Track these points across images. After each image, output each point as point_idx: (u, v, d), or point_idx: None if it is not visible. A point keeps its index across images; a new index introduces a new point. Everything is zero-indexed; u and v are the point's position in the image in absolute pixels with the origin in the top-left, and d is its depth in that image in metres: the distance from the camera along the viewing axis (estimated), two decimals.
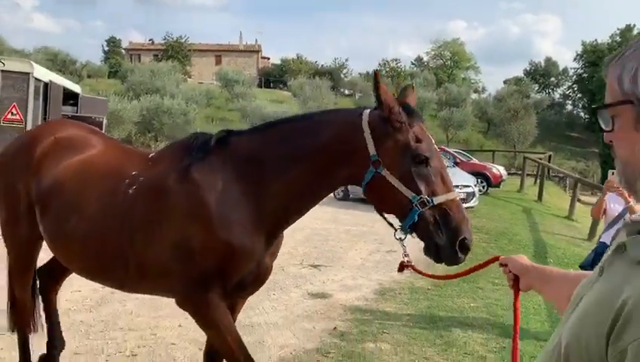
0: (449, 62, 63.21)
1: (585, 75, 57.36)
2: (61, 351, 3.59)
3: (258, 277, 2.65)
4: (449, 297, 6.08)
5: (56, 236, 2.83)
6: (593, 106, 0.97)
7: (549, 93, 61.77)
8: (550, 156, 26.63)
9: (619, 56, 0.92)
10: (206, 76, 54.76)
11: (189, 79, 48.82)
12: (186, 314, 5.21)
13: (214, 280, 2.46)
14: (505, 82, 57.18)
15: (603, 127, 0.95)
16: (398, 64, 62.83)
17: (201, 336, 4.65)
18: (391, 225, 2.34)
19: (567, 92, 63.35)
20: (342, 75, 59.62)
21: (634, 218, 0.96)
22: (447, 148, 20.77)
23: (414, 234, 2.26)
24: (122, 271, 2.62)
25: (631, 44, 0.91)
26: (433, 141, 2.32)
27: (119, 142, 3.35)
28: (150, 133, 29.79)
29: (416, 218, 2.17)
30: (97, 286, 5.85)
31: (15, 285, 3.30)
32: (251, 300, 5.51)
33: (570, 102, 63.27)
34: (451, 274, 2.11)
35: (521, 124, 37.58)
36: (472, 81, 63.34)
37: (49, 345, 3.54)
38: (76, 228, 2.69)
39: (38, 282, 3.49)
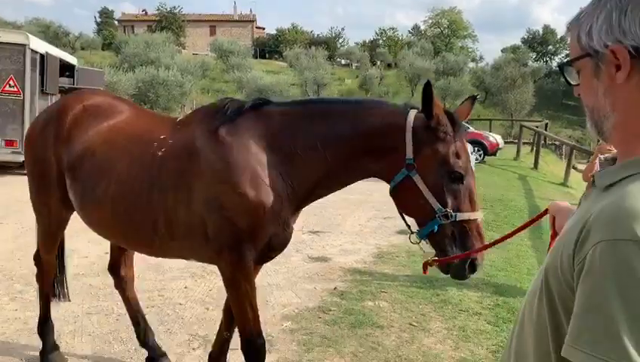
0: (446, 30, 62.68)
1: None
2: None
3: (284, 241, 2.71)
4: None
5: (87, 201, 2.88)
6: (558, 63, 1.07)
7: (547, 61, 61.39)
8: (547, 124, 26.73)
9: (576, 18, 1.03)
10: (200, 47, 54.21)
11: (183, 50, 48.31)
12: (192, 276, 5.41)
13: (245, 240, 2.53)
14: (502, 51, 56.77)
15: (572, 82, 1.07)
16: (395, 33, 62.32)
17: (207, 297, 4.85)
18: (408, 226, 2.41)
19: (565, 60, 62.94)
20: (338, 45, 59.09)
21: (605, 156, 1.10)
22: None
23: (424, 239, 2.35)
24: (152, 233, 2.68)
25: (586, 7, 1.02)
26: (470, 158, 2.38)
27: (146, 109, 3.43)
28: (146, 105, 29.65)
29: (436, 228, 2.23)
30: (104, 252, 6.02)
31: (42, 249, 3.43)
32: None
33: None
34: (498, 239, 2.09)
35: (518, 92, 37.57)
36: (470, 50, 62.96)
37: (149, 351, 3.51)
38: (107, 192, 2.75)
39: (111, 271, 3.64)
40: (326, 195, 2.69)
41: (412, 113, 2.33)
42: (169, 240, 2.69)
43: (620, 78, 0.94)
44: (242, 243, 2.53)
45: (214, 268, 5.97)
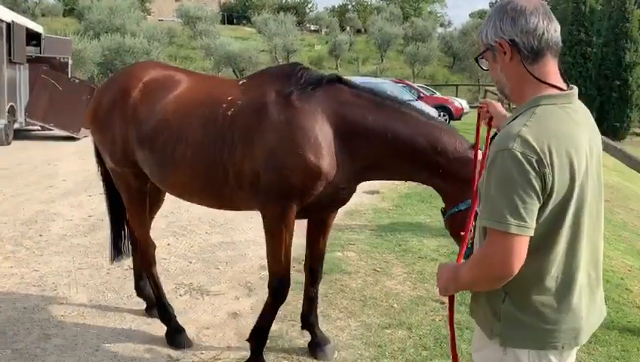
0: None
1: (549, 6, 57.66)
2: None
3: (334, 203, 3.03)
4: (408, 215, 6.80)
5: (167, 167, 3.08)
6: (475, 57, 1.67)
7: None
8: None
9: (481, 27, 1.62)
10: (166, 13, 53.03)
11: (148, 17, 47.23)
12: (174, 234, 5.78)
13: (294, 195, 2.81)
14: (470, 15, 57.17)
15: (484, 68, 1.68)
16: None
17: (188, 252, 5.26)
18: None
19: None
20: (307, 10, 58.51)
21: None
22: (411, 84, 21.30)
23: None
24: (224, 185, 2.96)
25: (485, 18, 1.62)
26: None
27: (201, 74, 3.63)
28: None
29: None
30: (87, 215, 6.36)
31: (135, 226, 3.55)
32: (232, 223, 6.13)
33: None
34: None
35: None
36: (438, 15, 63.13)
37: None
38: (184, 155, 2.99)
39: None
40: (376, 180, 3.06)
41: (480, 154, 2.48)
42: (237, 190, 2.96)
43: (507, 59, 1.54)
44: (289, 199, 2.82)
45: (194, 227, 6.36)
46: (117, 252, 3.90)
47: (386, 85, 15.69)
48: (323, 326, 3.72)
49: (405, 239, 5.61)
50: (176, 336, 3.47)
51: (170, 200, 4.05)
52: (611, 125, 30.41)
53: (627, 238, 7.37)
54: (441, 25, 59.74)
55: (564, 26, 42.02)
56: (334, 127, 2.79)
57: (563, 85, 1.55)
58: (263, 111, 2.83)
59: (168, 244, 5.43)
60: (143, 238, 3.54)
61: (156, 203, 3.79)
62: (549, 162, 1.39)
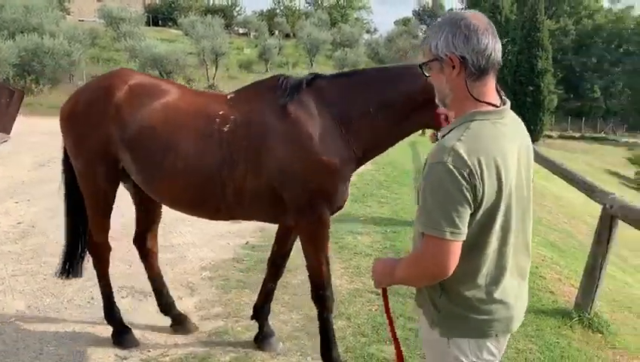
0: (342, 1, 63.71)
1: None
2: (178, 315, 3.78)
3: (346, 197, 3.11)
4: (343, 214, 7.04)
5: (154, 175, 3.06)
6: (419, 64, 1.73)
7: None
8: None
9: (427, 35, 1.70)
10: (87, 13, 50.93)
11: (67, 16, 45.21)
12: (110, 238, 5.70)
13: (321, 200, 2.90)
14: (395, 23, 58.99)
15: (426, 74, 1.73)
16: (293, 2, 62.36)
17: (126, 256, 5.24)
18: None
19: None
20: (235, 13, 58.15)
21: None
22: None
23: None
24: (220, 200, 2.98)
25: (433, 26, 1.68)
26: None
27: (186, 86, 3.55)
28: (30, 76, 27.76)
29: None
30: (16, 221, 6.17)
31: (95, 229, 3.45)
32: (170, 226, 6.14)
33: None
34: None
35: (410, 63, 39.53)
36: (365, 22, 64.61)
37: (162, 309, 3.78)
38: (175, 166, 2.97)
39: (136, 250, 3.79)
40: (383, 152, 3.08)
41: None
42: (236, 206, 3.01)
43: (454, 74, 1.62)
44: (320, 203, 2.90)
45: (130, 231, 6.31)
46: (69, 270, 3.75)
47: None
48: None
49: (341, 236, 5.86)
50: (122, 336, 3.51)
51: None
52: (526, 128, 32.35)
53: (541, 231, 8.04)
54: (368, 31, 61.33)
55: None
56: (332, 123, 2.87)
57: (497, 102, 1.66)
58: (265, 128, 2.88)
59: None
60: (101, 242, 3.49)
61: (157, 217, 3.75)
62: (479, 175, 1.51)
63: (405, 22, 56.59)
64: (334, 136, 2.86)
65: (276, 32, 53.32)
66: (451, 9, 67.05)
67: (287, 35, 54.41)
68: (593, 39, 46.76)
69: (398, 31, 45.25)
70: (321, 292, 3.07)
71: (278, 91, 2.96)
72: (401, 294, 4.36)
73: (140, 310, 4.06)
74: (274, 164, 2.85)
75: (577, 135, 44.04)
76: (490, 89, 1.65)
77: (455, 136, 1.57)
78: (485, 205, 1.56)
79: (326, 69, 45.56)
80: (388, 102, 2.83)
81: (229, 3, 59.02)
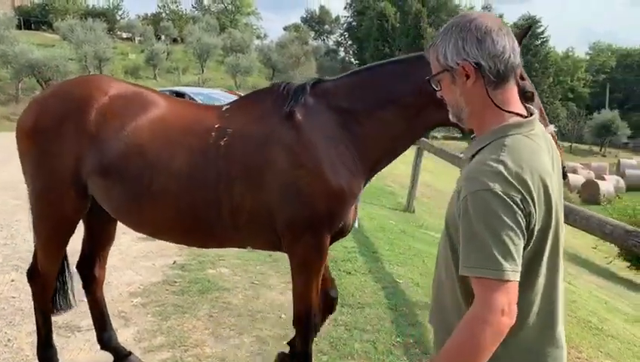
0: (230, 6, 63.11)
1: (354, 23, 62.59)
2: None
3: (354, 218, 2.75)
4: None
5: (140, 200, 2.66)
6: (427, 77, 1.54)
7: (324, 40, 66.14)
8: None
9: (433, 44, 1.50)
10: None
11: None
12: (15, 268, 5.09)
13: (323, 223, 2.56)
14: (285, 29, 59.48)
15: (435, 88, 1.54)
16: (179, 7, 60.63)
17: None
18: None
19: (340, 39, 68.55)
20: (118, 17, 55.30)
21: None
22: (242, 95, 21.41)
23: None
24: (216, 224, 2.63)
25: (439, 33, 1.51)
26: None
27: (173, 97, 3.08)
28: None
29: None
30: None
31: (45, 260, 3.00)
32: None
33: (342, 49, 68.66)
34: None
35: (303, 69, 40.08)
36: (255, 27, 64.46)
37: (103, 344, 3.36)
38: (166, 189, 2.61)
39: (79, 276, 3.29)
40: (397, 157, 2.73)
41: None
42: (231, 231, 2.66)
43: (469, 84, 1.43)
44: (320, 228, 2.57)
45: (29, 257, 5.70)
46: (60, 303, 3.30)
47: (219, 95, 15.60)
48: (217, 346, 3.64)
49: None
50: None
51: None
52: None
53: None
54: (258, 37, 61.28)
55: (371, 42, 46.50)
56: (342, 135, 2.58)
57: (523, 110, 1.48)
58: (266, 140, 2.58)
59: (12, 280, 4.76)
60: (51, 273, 3.06)
61: (109, 240, 3.34)
62: (531, 199, 1.32)
63: (296, 28, 57.19)
64: (346, 148, 2.57)
65: (163, 37, 51.51)
66: (337, 16, 69.05)
67: (174, 40, 52.74)
68: None
69: (290, 37, 45.55)
70: (305, 320, 2.80)
71: (280, 99, 2.67)
72: (350, 305, 4.29)
73: (70, 347, 3.61)
74: (276, 180, 2.53)
75: (459, 135, 47.11)
76: (513, 96, 1.46)
77: (493, 156, 1.35)
78: (537, 231, 1.36)
79: (217, 74, 44.77)
80: (400, 99, 2.54)
81: (111, 6, 56.00)
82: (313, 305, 2.78)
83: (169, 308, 4.24)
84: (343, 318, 4.09)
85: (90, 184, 2.75)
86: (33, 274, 3.09)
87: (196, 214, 2.65)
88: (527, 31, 2.28)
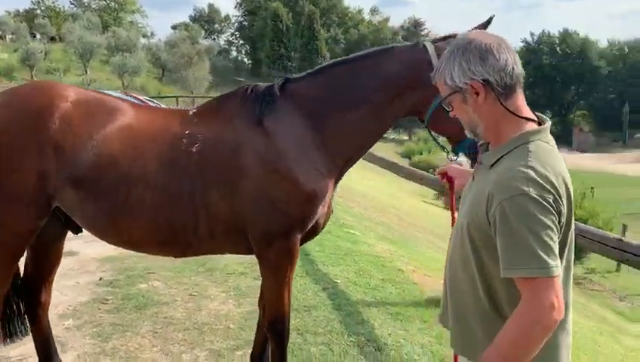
0: (113, 4, 59.98)
1: (245, 23, 62.12)
2: None
3: (327, 219, 2.78)
4: None
5: (116, 214, 2.54)
6: (438, 100, 1.59)
7: (215, 39, 64.98)
8: None
9: (439, 67, 1.60)
10: None
11: None
12: None
13: (296, 227, 2.57)
14: (173, 27, 57.62)
15: (448, 110, 1.63)
16: (55, 3, 56.55)
17: None
18: (443, 148, 2.66)
19: (231, 39, 67.75)
20: None
21: (487, 147, 1.67)
22: (138, 96, 20.47)
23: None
24: (192, 234, 2.56)
25: (442, 56, 1.60)
26: None
27: (134, 102, 2.84)
28: None
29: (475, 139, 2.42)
30: None
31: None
32: None
33: (234, 48, 67.90)
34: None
35: (196, 69, 39.10)
36: (140, 25, 61.80)
37: None
38: (142, 200, 2.51)
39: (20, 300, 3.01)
40: (366, 152, 2.78)
41: (429, 45, 2.53)
42: (208, 240, 2.61)
43: (480, 100, 1.53)
44: (293, 231, 2.57)
45: None
46: (9, 331, 2.99)
47: (121, 97, 14.80)
48: None
49: (206, 258, 5.50)
50: None
51: None
52: None
53: (370, 227, 8.70)
54: (144, 35, 58.83)
55: (266, 42, 46.43)
56: (312, 137, 2.59)
57: (533, 116, 1.58)
58: (239, 147, 2.54)
59: None
60: (2, 294, 2.78)
61: (57, 260, 3.11)
62: (560, 199, 1.43)
63: (186, 27, 55.64)
64: (317, 150, 2.59)
65: (38, 35, 47.80)
66: (227, 15, 68.02)
67: (52, 39, 49.14)
68: (360, 47, 51.97)
69: (180, 36, 44.21)
70: (279, 326, 2.78)
71: (248, 103, 2.63)
72: (297, 309, 4.30)
73: None
74: (249, 187, 2.52)
75: None
76: (523, 105, 1.57)
77: (521, 162, 1.45)
78: (564, 229, 1.48)
79: (102, 75, 42.34)
80: (369, 96, 2.58)
81: None
82: (286, 308, 2.78)
83: (107, 328, 3.99)
84: (293, 323, 4.06)
85: (59, 197, 2.57)
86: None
87: (173, 225, 2.58)
88: (488, 23, 2.48)
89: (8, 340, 3.02)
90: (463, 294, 1.65)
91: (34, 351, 3.46)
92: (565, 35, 65.58)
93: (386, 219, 10.77)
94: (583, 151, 49.09)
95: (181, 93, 38.87)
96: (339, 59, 2.82)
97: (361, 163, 3.09)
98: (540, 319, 1.37)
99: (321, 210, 2.67)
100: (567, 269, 1.56)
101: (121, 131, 2.59)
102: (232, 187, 2.53)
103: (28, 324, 3.06)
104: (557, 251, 1.41)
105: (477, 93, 1.53)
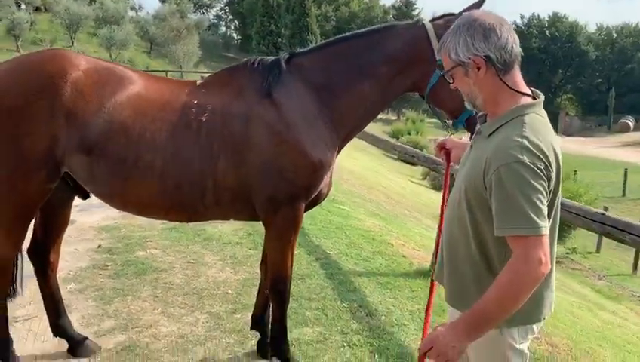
0: None
1: None
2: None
3: (329, 188, 2.96)
4: None
5: (125, 178, 2.65)
6: (441, 73, 1.73)
7: (204, 13, 64.02)
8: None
9: (443, 42, 1.72)
10: None
11: None
12: None
13: (301, 196, 2.75)
14: (162, 1, 56.61)
15: (450, 81, 1.75)
16: None
17: None
18: (443, 122, 2.83)
19: (220, 13, 66.86)
20: None
21: (485, 118, 1.83)
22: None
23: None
24: (199, 200, 2.69)
25: (448, 32, 1.74)
26: None
27: (145, 72, 2.95)
28: None
29: (474, 112, 2.46)
30: None
31: (6, 245, 2.82)
32: None
33: (223, 23, 67.02)
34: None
35: (185, 44, 38.65)
36: None
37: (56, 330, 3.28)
38: (153, 166, 2.62)
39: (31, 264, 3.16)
40: (363, 128, 2.96)
41: (427, 23, 2.71)
42: (214, 206, 2.74)
43: (481, 74, 1.67)
44: (298, 199, 2.75)
45: None
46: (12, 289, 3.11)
47: None
48: (172, 325, 3.67)
49: (202, 228, 5.67)
50: None
51: None
52: None
53: (359, 203, 8.88)
54: (132, 8, 57.68)
55: (256, 18, 45.99)
56: (317, 109, 2.74)
57: (529, 91, 1.72)
58: (249, 118, 2.66)
59: None
60: (9, 260, 2.91)
61: (64, 224, 3.19)
62: (550, 166, 1.58)
63: (178, 1, 54.74)
64: (322, 122, 2.74)
65: (23, 5, 46.77)
66: None
67: (37, 9, 48.10)
68: (350, 25, 51.62)
69: (169, 9, 43.54)
70: (281, 286, 2.95)
71: (255, 75, 2.76)
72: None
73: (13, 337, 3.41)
74: (258, 156, 2.65)
75: None
76: (520, 80, 1.71)
77: (517, 132, 1.60)
78: (552, 194, 1.63)
79: (90, 47, 41.64)
80: (372, 71, 2.73)
81: None
82: (289, 273, 2.96)
83: (108, 292, 4.14)
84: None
85: (69, 163, 2.67)
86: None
87: (181, 191, 2.69)
88: (480, 4, 2.64)
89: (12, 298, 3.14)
90: (457, 251, 1.81)
91: (38, 311, 3.64)
92: (555, 19, 65.68)
93: (374, 196, 10.96)
94: (568, 135, 49.66)
95: (169, 67, 38.49)
96: (341, 35, 2.96)
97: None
98: (529, 272, 1.53)
99: (325, 179, 2.84)
100: (552, 230, 1.70)
101: (131, 99, 2.68)
102: (241, 156, 2.65)
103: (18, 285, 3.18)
104: (546, 213, 1.56)
105: (478, 68, 1.66)
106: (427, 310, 2.03)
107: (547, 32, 65.30)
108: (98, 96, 2.64)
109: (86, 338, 3.31)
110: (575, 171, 20.64)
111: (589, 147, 42.28)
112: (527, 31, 64.77)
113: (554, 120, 54.20)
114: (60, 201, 3.05)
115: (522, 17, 68.30)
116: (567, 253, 13.94)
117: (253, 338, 3.48)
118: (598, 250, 14.86)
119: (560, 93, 66.83)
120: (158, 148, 2.63)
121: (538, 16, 67.64)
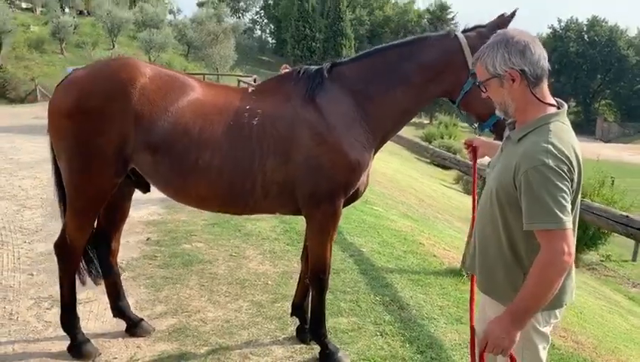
0: None
1: (270, 1, 62.06)
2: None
3: (365, 187, 3.23)
4: None
5: (187, 175, 2.95)
6: (477, 83, 1.96)
7: (240, 17, 65.01)
8: (255, 79, 29.22)
9: (480, 55, 1.93)
10: None
11: None
12: None
13: (340, 192, 3.03)
14: (199, 5, 57.78)
15: (483, 90, 1.98)
16: None
17: (21, 265, 4.74)
18: (471, 124, 3.04)
19: (256, 17, 67.74)
20: None
21: (513, 125, 2.06)
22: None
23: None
24: (249, 195, 3.00)
25: (485, 46, 1.95)
26: None
27: (205, 81, 3.33)
28: None
29: (500, 118, 2.54)
30: None
31: (77, 232, 3.18)
32: (47, 228, 5.59)
33: (258, 27, 67.89)
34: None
35: (221, 47, 39.41)
36: (167, 2, 61.94)
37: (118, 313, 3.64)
38: (210, 163, 2.91)
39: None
40: (398, 132, 3.24)
41: (460, 34, 2.94)
42: (262, 200, 3.04)
43: (515, 86, 1.88)
44: (337, 196, 3.04)
45: (11, 239, 5.67)
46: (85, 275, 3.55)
47: None
48: (218, 311, 3.97)
49: (241, 224, 6.00)
50: (83, 347, 3.31)
51: None
52: None
53: (391, 205, 9.09)
54: (171, 12, 59.03)
55: (291, 22, 46.65)
56: (356, 113, 3.01)
57: (554, 102, 1.93)
58: (293, 119, 2.96)
59: None
60: (81, 246, 3.26)
61: (125, 215, 3.56)
62: (573, 168, 1.79)
63: (215, 5, 55.78)
64: (360, 125, 3.01)
65: (67, 9, 48.42)
66: None
67: (80, 13, 49.76)
68: (384, 29, 51.82)
69: (207, 14, 44.48)
70: (322, 276, 3.24)
71: (300, 83, 3.07)
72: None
73: None
74: (301, 157, 2.94)
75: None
76: (546, 92, 1.92)
77: (543, 138, 1.82)
78: (574, 193, 1.84)
79: (130, 50, 42.86)
80: (407, 79, 2.99)
81: None
82: (328, 264, 3.23)
83: (159, 281, 4.48)
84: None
85: (136, 160, 2.99)
86: (62, 247, 3.25)
87: (235, 186, 2.99)
88: (512, 16, 2.87)
89: (87, 280, 3.52)
90: (489, 245, 2.05)
91: (97, 295, 4.00)
92: (593, 23, 64.32)
93: (406, 199, 11.15)
94: (606, 141, 48.54)
95: (206, 70, 39.30)
96: (378, 46, 3.22)
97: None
98: (556, 261, 1.75)
99: (362, 178, 3.10)
100: (573, 223, 1.88)
101: (191, 104, 2.98)
102: (287, 155, 2.95)
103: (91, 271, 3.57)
104: (569, 209, 1.78)
105: (513, 80, 1.87)
106: (471, 303, 2.30)
107: (585, 36, 64.02)
108: (162, 101, 2.94)
109: (142, 319, 3.64)
110: (612, 178, 20.31)
111: (626, 153, 41.27)
112: (565, 35, 63.64)
113: (591, 126, 53.27)
114: (122, 194, 3.38)
115: (560, 21, 67.16)
116: (601, 260, 13.81)
117: (292, 325, 3.76)
118: (634, 259, 14.65)
119: (598, 99, 65.38)
120: (216, 148, 2.92)
121: (576, 20, 66.34)
